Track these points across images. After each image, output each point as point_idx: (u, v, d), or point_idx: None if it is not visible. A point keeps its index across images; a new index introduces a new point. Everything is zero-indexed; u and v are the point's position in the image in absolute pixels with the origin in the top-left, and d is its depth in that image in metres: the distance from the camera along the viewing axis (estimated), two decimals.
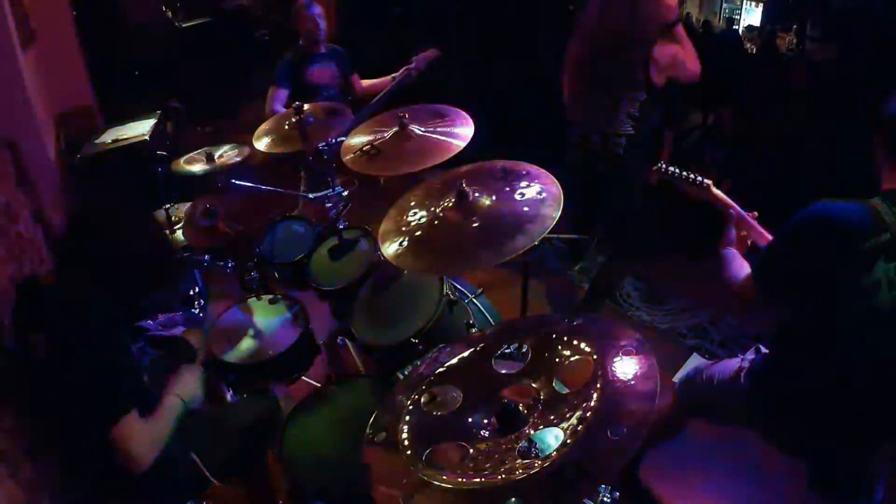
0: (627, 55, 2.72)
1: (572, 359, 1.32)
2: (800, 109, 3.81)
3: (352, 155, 2.34)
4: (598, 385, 1.18)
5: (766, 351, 1.84)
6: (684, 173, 2.03)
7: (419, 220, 1.85)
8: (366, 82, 3.91)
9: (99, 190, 3.72)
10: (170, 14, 6.74)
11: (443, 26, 5.03)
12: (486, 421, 1.28)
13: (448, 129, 2.28)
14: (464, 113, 2.35)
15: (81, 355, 1.55)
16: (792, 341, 1.72)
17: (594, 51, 2.83)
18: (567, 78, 3.08)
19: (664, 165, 2.07)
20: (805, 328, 1.65)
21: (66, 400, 1.59)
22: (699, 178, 2.00)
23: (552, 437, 1.15)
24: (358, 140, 2.42)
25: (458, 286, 2.33)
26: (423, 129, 2.32)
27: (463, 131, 2.25)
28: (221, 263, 3.08)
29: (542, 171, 1.86)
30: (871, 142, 1.59)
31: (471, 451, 1.22)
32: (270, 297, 2.53)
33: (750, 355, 1.89)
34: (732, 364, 1.90)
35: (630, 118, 2.81)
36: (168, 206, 3.10)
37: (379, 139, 2.34)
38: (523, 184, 1.82)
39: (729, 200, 1.95)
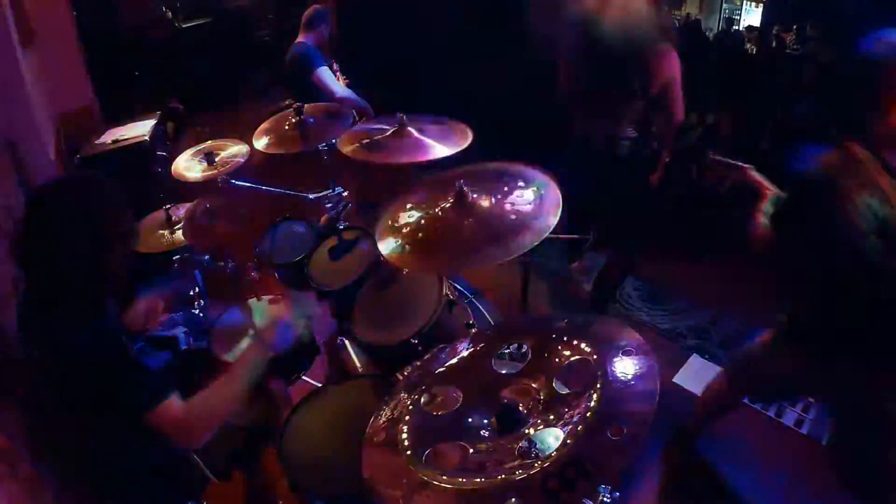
0: (623, 61, 2.62)
1: (572, 359, 1.32)
2: (800, 109, 3.81)
3: (351, 147, 2.35)
4: (598, 385, 1.18)
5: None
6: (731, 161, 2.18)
7: (418, 221, 1.85)
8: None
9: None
10: (170, 14, 6.74)
11: (443, 24, 5.02)
12: (485, 421, 1.28)
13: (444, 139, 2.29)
14: (463, 125, 2.35)
15: (101, 360, 1.49)
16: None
17: (591, 53, 2.72)
18: (565, 77, 2.99)
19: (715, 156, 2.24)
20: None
21: (89, 402, 1.53)
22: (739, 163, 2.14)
23: (552, 438, 1.15)
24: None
25: (458, 286, 2.33)
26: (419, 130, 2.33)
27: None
28: (221, 263, 3.08)
29: (540, 171, 1.86)
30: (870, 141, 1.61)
31: (471, 451, 1.22)
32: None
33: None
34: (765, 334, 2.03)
35: (631, 121, 2.79)
36: (168, 206, 3.10)
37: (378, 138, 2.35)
38: (521, 184, 1.82)
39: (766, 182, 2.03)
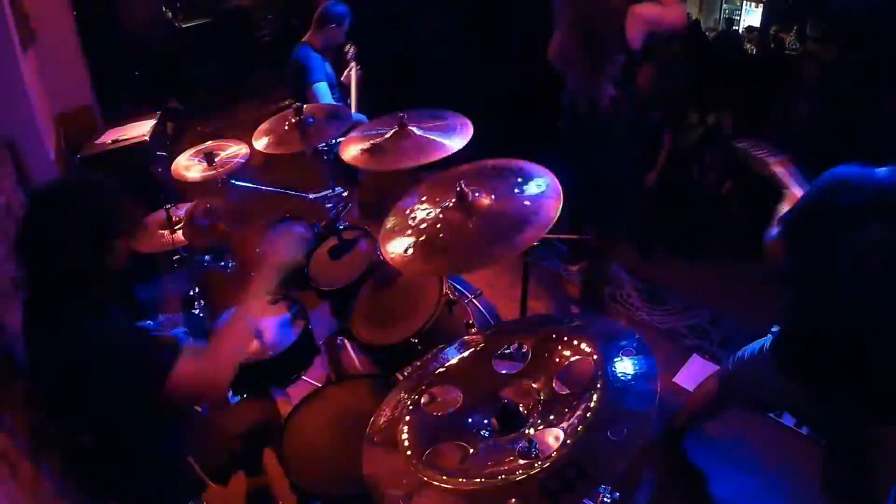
0: (604, 24, 2.74)
1: (572, 359, 1.32)
2: (800, 110, 3.81)
3: (353, 154, 2.34)
4: (598, 385, 1.18)
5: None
6: (754, 151, 2.22)
7: (421, 223, 1.85)
8: None
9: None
10: (170, 14, 6.74)
11: (440, 24, 5.02)
12: (486, 421, 1.28)
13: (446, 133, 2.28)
14: (464, 118, 2.34)
15: (111, 340, 1.51)
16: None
17: (576, 19, 2.84)
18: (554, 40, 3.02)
19: (744, 144, 2.28)
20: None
21: (104, 384, 1.52)
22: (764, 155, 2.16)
23: (552, 438, 1.15)
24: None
25: (458, 286, 2.33)
26: (422, 129, 2.31)
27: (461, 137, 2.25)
28: (221, 263, 3.08)
29: (539, 167, 1.86)
30: (870, 141, 1.61)
31: (471, 451, 1.22)
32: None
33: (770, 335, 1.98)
34: (756, 344, 2.04)
35: (612, 79, 2.81)
36: (168, 206, 3.10)
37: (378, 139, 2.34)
38: (519, 180, 1.82)
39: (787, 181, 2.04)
